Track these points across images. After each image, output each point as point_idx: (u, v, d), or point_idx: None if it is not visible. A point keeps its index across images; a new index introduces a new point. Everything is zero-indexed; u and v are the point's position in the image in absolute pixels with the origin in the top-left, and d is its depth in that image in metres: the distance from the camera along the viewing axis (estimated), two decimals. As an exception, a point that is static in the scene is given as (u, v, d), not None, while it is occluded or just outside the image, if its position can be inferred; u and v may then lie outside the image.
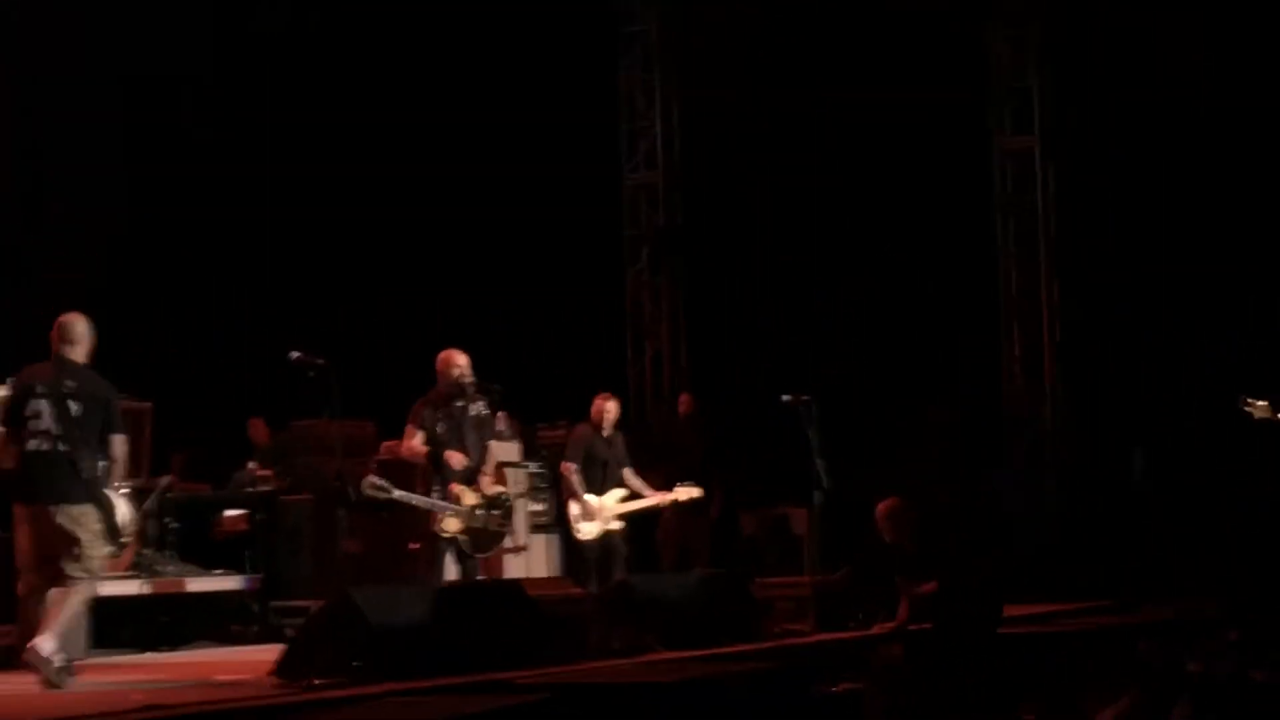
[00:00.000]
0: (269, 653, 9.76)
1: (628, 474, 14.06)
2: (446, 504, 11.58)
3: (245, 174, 18.25)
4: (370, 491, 11.20)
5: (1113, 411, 17.29)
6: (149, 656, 12.12)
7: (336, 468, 10.32)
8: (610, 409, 14.06)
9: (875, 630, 12.19)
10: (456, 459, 11.65)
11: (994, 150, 17.73)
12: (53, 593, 9.69)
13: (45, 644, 9.44)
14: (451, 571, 11.88)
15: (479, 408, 11.96)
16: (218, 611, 13.23)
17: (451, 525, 11.58)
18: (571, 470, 13.84)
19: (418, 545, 11.88)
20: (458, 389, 11.82)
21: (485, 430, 12.05)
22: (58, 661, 9.44)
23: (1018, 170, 17.68)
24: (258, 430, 15.62)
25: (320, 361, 10.27)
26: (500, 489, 12.01)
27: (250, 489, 13.98)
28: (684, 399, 16.65)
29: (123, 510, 9.92)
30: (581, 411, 14.31)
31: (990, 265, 17.80)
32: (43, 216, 16.98)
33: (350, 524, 12.73)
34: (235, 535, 13.75)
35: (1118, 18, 16.99)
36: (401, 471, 11.97)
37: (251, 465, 14.81)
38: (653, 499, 14.14)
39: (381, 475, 11.50)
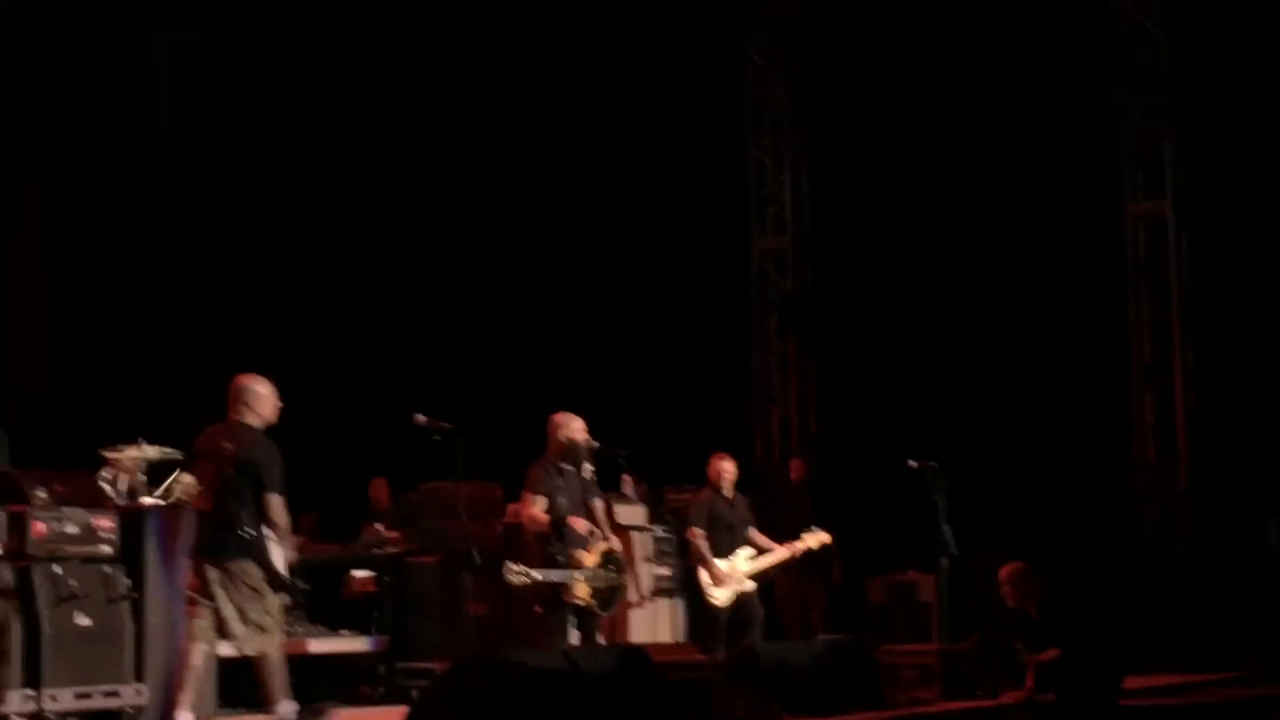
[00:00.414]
0: (394, 715, 9.80)
1: (753, 533, 14.04)
2: (576, 572, 11.63)
3: (367, 241, 18.45)
4: (513, 579, 11.33)
5: (1247, 480, 17.02)
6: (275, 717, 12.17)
7: (462, 531, 10.35)
8: (728, 469, 14.05)
9: (1003, 699, 12.06)
10: (581, 525, 11.67)
11: (1125, 215, 17.53)
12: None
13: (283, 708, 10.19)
14: (573, 634, 11.91)
15: (588, 469, 11.98)
16: (345, 672, 13.29)
17: (583, 591, 11.62)
18: (699, 536, 13.81)
19: (541, 609, 11.93)
20: (571, 451, 11.83)
21: (592, 491, 12.10)
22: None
23: (1149, 235, 17.47)
24: (379, 491, 15.69)
25: (446, 426, 10.33)
26: (607, 544, 11.99)
27: (378, 550, 14.04)
28: (795, 464, 16.65)
29: (280, 560, 10.11)
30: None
31: (1122, 331, 17.58)
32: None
33: (475, 587, 12.76)
34: (363, 596, 13.82)
35: (1249, 77, 16.79)
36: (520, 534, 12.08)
37: (379, 526, 14.89)
38: (783, 552, 14.08)
39: (514, 552, 11.64)
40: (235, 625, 10.31)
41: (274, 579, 10.09)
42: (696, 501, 14.23)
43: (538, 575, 11.41)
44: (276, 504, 10.16)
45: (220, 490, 10.33)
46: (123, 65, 17.04)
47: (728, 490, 14.07)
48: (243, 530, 10.15)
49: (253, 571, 10.17)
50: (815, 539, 14.27)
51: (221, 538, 10.31)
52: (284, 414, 10.46)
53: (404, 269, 18.58)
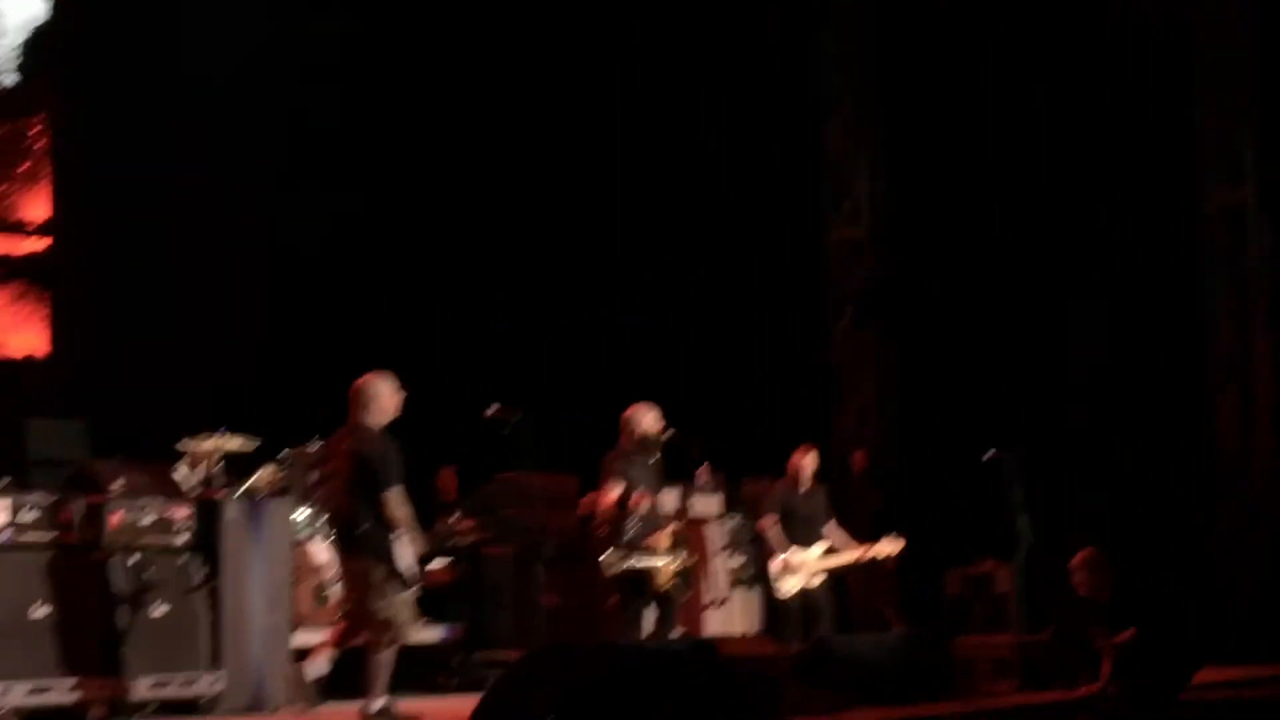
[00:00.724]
0: (470, 704, 9.81)
1: (831, 527, 13.99)
2: (660, 557, 11.69)
3: (431, 242, 18.52)
4: (612, 568, 11.46)
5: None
6: (350, 705, 12.24)
7: (536, 522, 10.39)
8: (808, 463, 14.02)
9: (1082, 691, 11.98)
10: (644, 503, 11.72)
11: (1205, 205, 17.38)
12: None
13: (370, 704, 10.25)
14: (649, 622, 11.93)
15: (658, 460, 12.00)
16: (420, 662, 13.33)
17: (664, 578, 11.67)
18: (769, 525, 13.80)
19: (616, 598, 11.95)
20: (646, 443, 11.84)
21: (661, 480, 12.17)
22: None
23: (1229, 225, 17.31)
24: (447, 481, 15.72)
25: (518, 415, 10.34)
26: (674, 526, 12.04)
27: (453, 541, 14.08)
28: (858, 456, 16.61)
29: (406, 555, 10.11)
30: (783, 466, 14.28)
31: (1202, 322, 17.44)
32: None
33: (549, 578, 12.81)
34: (439, 586, 13.87)
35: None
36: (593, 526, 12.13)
37: (455, 516, 14.95)
38: (856, 552, 14.02)
39: (588, 543, 11.72)
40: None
41: (397, 575, 10.12)
42: (772, 492, 14.21)
43: (634, 562, 11.46)
44: (391, 499, 10.18)
45: (342, 490, 10.44)
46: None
47: (806, 482, 14.04)
48: (361, 529, 10.22)
49: (374, 569, 10.23)
50: (890, 545, 14.12)
51: (346, 536, 10.44)
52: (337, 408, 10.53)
53: (475, 256, 18.62)
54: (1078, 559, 12.27)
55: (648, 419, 11.86)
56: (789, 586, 13.78)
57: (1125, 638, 11.78)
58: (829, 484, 15.62)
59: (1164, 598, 13.81)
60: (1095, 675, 11.95)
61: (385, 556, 10.16)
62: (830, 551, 13.93)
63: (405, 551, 10.19)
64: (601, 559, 11.46)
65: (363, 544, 10.30)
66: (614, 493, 11.65)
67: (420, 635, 13.13)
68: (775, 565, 13.81)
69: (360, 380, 10.47)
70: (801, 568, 13.79)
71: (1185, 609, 14.34)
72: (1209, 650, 12.95)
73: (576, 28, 18.71)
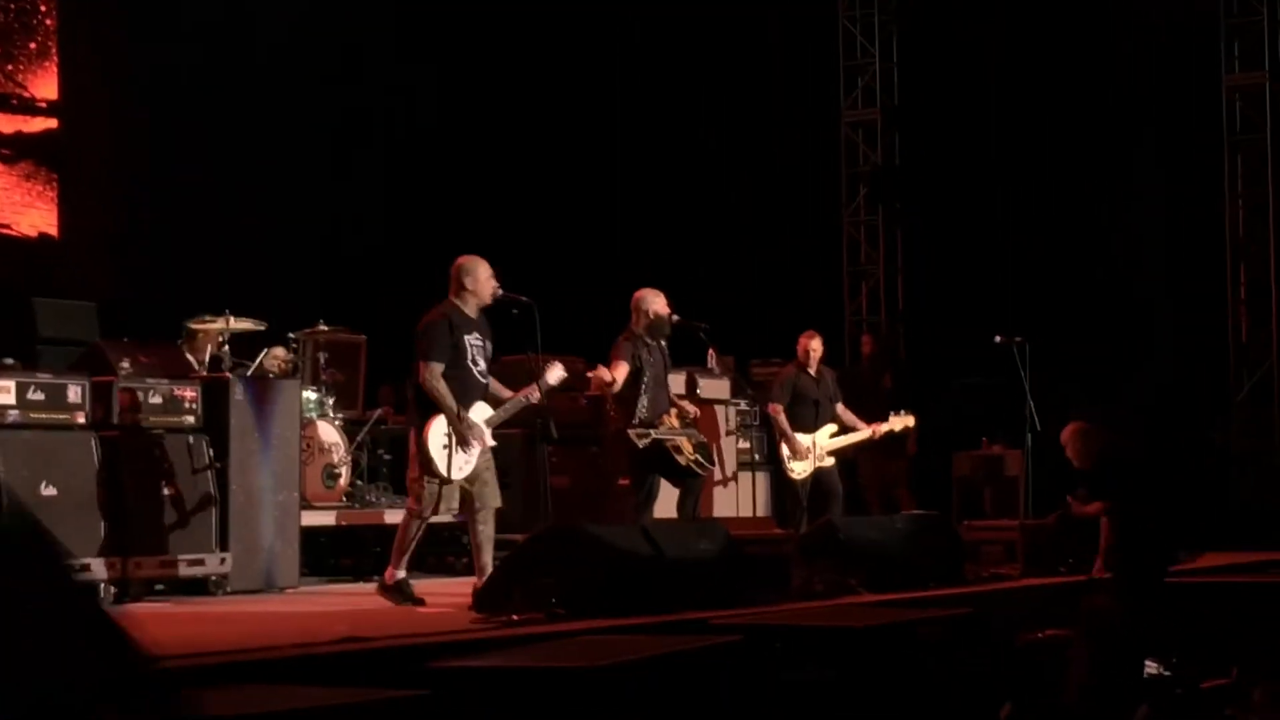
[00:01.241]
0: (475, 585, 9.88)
1: (840, 409, 14.02)
2: (678, 431, 11.73)
3: (449, 119, 18.44)
4: (636, 439, 11.45)
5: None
6: (359, 585, 12.33)
7: (525, 398, 10.36)
8: (815, 347, 14.02)
9: (1082, 576, 12.00)
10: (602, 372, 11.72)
11: (1222, 87, 17.26)
12: None
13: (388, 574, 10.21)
14: (660, 507, 11.98)
15: (666, 343, 12.02)
16: (428, 543, 13.39)
17: (688, 447, 11.72)
18: (779, 410, 13.83)
19: (628, 481, 11.98)
20: (654, 326, 11.83)
21: (668, 363, 12.17)
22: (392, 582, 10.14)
23: (1247, 108, 17.21)
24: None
25: (524, 299, 10.31)
26: (678, 408, 12.05)
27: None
28: (865, 339, 16.60)
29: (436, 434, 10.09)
30: (793, 349, 14.28)
31: (1217, 204, 17.36)
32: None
33: (557, 460, 12.81)
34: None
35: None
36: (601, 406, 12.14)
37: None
38: (866, 431, 14.06)
39: (614, 420, 11.71)
40: None
41: (426, 454, 10.08)
42: (780, 376, 14.22)
43: (654, 433, 11.51)
44: (420, 371, 10.10)
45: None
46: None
47: (814, 366, 14.05)
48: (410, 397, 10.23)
49: (413, 442, 10.22)
50: (900, 421, 14.19)
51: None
52: (364, 289, 10.47)
53: (487, 143, 18.58)
54: (1066, 431, 12.19)
55: (656, 302, 11.86)
56: (800, 469, 13.81)
57: (1094, 509, 11.76)
58: (840, 368, 15.63)
59: (1146, 478, 13.80)
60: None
61: (419, 435, 10.11)
62: (839, 433, 13.97)
63: (439, 432, 10.08)
64: (630, 431, 11.46)
65: (409, 413, 10.29)
66: (622, 372, 11.65)
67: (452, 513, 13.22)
68: (786, 449, 13.84)
69: (460, 259, 10.34)
70: (812, 450, 13.82)
71: (1169, 491, 14.34)
72: (1199, 534, 13.05)
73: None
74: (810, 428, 13.90)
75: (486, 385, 10.27)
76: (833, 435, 13.94)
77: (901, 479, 15.34)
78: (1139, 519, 11.54)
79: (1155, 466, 14.17)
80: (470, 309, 10.20)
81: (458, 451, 10.06)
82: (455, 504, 10.24)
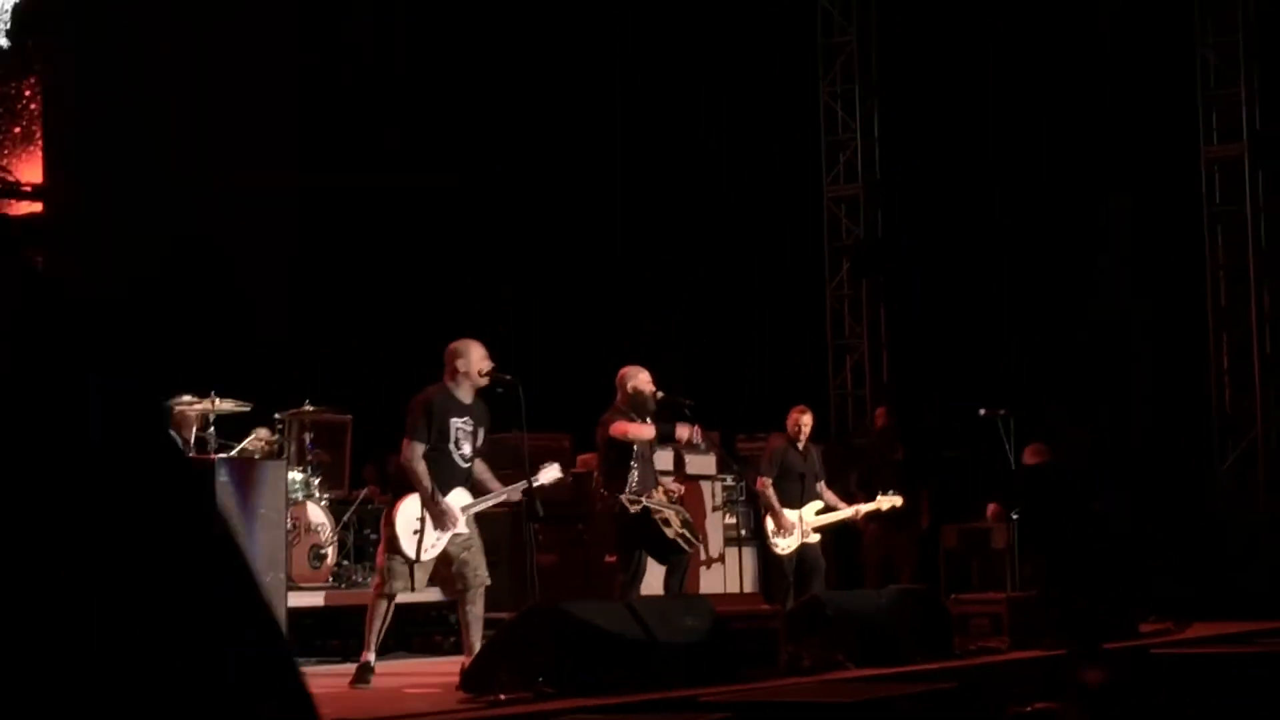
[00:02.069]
0: (461, 665, 9.86)
1: (821, 487, 14.07)
2: (670, 505, 11.78)
3: (439, 193, 18.50)
4: (628, 504, 11.54)
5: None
6: (346, 667, 12.27)
7: (527, 483, 10.38)
8: (806, 421, 14.07)
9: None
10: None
11: (1201, 158, 17.38)
12: None
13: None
14: (647, 584, 12.01)
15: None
16: (416, 621, 13.39)
17: (676, 522, 11.74)
18: (767, 484, 13.85)
19: (614, 558, 12.01)
20: (639, 402, 11.91)
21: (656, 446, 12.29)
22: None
23: (1226, 178, 17.32)
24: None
25: (508, 378, 10.36)
26: (662, 487, 12.12)
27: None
28: (880, 412, 16.60)
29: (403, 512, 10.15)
30: (781, 423, 14.30)
31: (1199, 276, 17.45)
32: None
33: (544, 537, 12.81)
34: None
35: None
36: (588, 483, 12.17)
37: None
38: (848, 510, 14.10)
39: (606, 494, 11.76)
40: None
41: (393, 534, 10.15)
42: (769, 450, 14.25)
43: (645, 500, 11.55)
44: (404, 448, 10.21)
45: None
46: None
47: (803, 441, 14.08)
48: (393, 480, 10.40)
49: (384, 518, 10.28)
50: (888, 501, 14.23)
51: None
52: (344, 368, 10.52)
53: (476, 221, 18.64)
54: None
55: (639, 378, 11.94)
56: (785, 545, 13.83)
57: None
58: (828, 441, 15.64)
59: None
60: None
61: (390, 507, 10.18)
62: (824, 510, 14.00)
63: (404, 511, 10.13)
64: (623, 497, 11.52)
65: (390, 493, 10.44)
66: (637, 430, 11.77)
67: (416, 595, 13.20)
68: (771, 524, 13.86)
69: (455, 342, 10.40)
70: (797, 526, 13.84)
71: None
72: (1186, 604, 13.12)
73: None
74: (796, 503, 13.92)
75: (469, 471, 10.30)
76: (818, 512, 13.96)
77: (910, 556, 15.28)
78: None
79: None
80: (463, 392, 10.26)
81: (428, 532, 10.10)
82: (420, 584, 10.27)
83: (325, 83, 18.32)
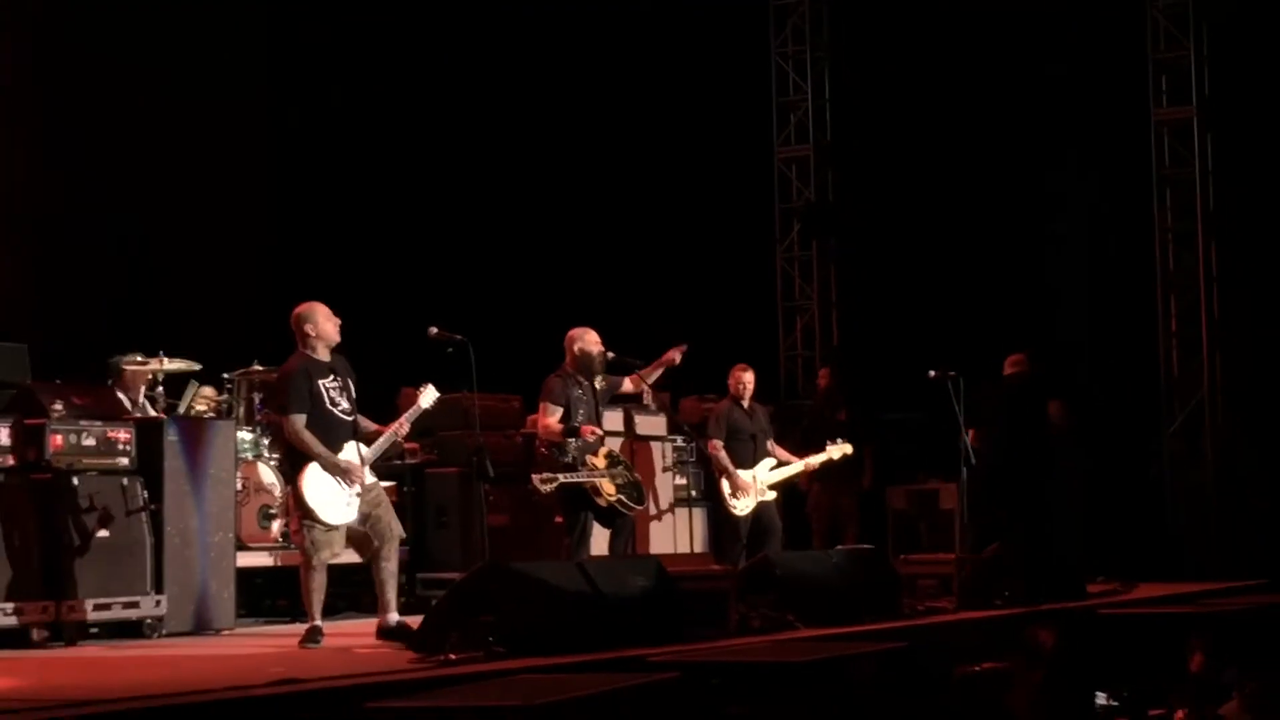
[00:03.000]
0: (413, 625, 9.86)
1: (770, 445, 14.09)
2: (599, 472, 11.78)
3: (386, 148, 18.43)
4: (541, 486, 11.57)
5: (1272, 386, 17.00)
6: (295, 626, 12.26)
7: (477, 442, 10.38)
8: (747, 380, 14.10)
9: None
10: (590, 432, 11.80)
11: (1151, 121, 17.42)
12: None
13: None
14: (597, 544, 12.05)
15: (601, 382, 12.14)
16: (365, 582, 13.34)
17: (609, 488, 11.77)
18: (718, 446, 13.85)
19: (563, 518, 12.04)
20: (586, 364, 11.92)
21: (604, 402, 12.35)
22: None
23: (1175, 141, 17.36)
24: (409, 401, 15.65)
25: (458, 337, 10.34)
26: (607, 447, 12.23)
27: (398, 461, 14.08)
28: (823, 373, 16.63)
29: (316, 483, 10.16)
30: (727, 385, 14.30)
31: (1148, 240, 17.50)
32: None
33: (494, 498, 12.82)
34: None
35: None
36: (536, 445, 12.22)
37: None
38: (799, 464, 14.14)
39: (531, 463, 11.78)
40: None
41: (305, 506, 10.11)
42: (716, 412, 14.27)
43: (563, 477, 11.56)
44: (285, 426, 10.18)
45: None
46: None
47: (747, 400, 14.11)
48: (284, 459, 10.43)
49: (290, 495, 10.30)
50: (838, 450, 14.31)
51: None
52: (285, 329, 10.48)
53: (421, 177, 18.55)
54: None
55: (585, 339, 11.99)
56: (743, 505, 13.82)
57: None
58: (779, 402, 15.65)
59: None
60: (1028, 595, 12.21)
61: (294, 481, 10.15)
62: (777, 466, 14.02)
63: (315, 479, 10.10)
64: (535, 477, 11.55)
65: (283, 470, 10.38)
66: (552, 414, 11.77)
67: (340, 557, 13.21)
68: (727, 486, 13.85)
69: (296, 308, 10.39)
70: (753, 485, 13.85)
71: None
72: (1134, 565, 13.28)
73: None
74: (748, 463, 13.94)
75: (353, 423, 10.29)
76: (771, 469, 13.99)
77: (853, 514, 15.33)
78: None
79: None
80: (321, 354, 10.28)
81: (338, 494, 10.09)
82: (339, 548, 10.24)
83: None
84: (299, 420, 10.09)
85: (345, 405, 10.26)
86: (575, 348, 12.03)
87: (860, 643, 9.70)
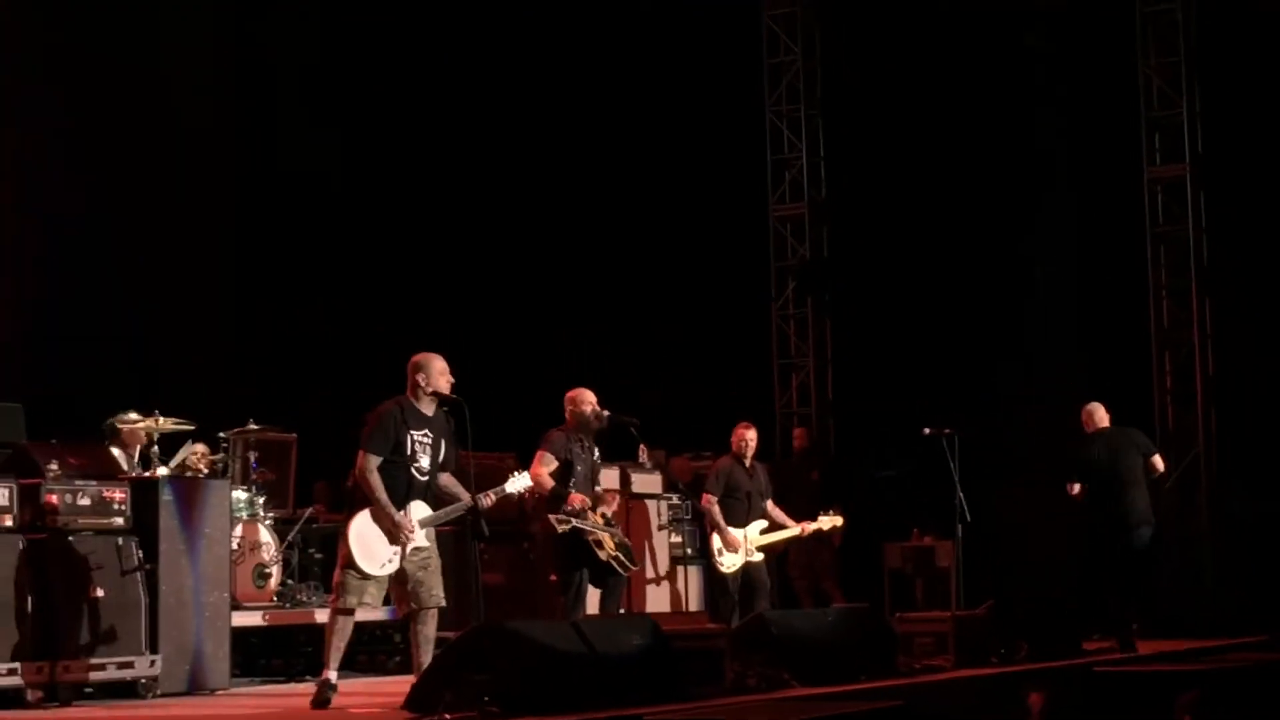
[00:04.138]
0: (408, 684, 9.84)
1: (770, 506, 14.08)
2: (600, 528, 11.86)
3: (382, 209, 18.48)
4: (556, 524, 11.83)
5: (1267, 442, 17.01)
6: (291, 687, 12.25)
7: (471, 501, 10.37)
8: (750, 438, 14.10)
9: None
10: (579, 499, 11.90)
11: (1144, 179, 17.48)
12: None
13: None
14: (590, 603, 12.07)
15: (596, 450, 12.38)
16: (361, 641, 13.33)
17: (610, 544, 11.87)
18: (713, 502, 13.87)
19: (557, 577, 12.07)
20: (581, 423, 12.02)
21: (598, 473, 12.50)
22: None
23: (1169, 199, 17.42)
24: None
25: (454, 398, 10.35)
26: (602, 508, 12.35)
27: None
28: (798, 433, 16.72)
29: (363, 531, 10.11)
30: (726, 442, 14.31)
31: (1141, 296, 17.54)
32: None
33: (489, 557, 12.81)
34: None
35: (1269, 42, 16.76)
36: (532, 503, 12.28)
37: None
38: (795, 529, 14.13)
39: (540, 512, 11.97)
40: None
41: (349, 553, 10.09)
42: (715, 468, 14.24)
43: (575, 522, 11.74)
44: (359, 460, 10.13)
45: None
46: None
47: (748, 458, 14.09)
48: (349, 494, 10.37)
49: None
50: (829, 520, 14.27)
51: None
52: (296, 389, 10.48)
53: (419, 237, 18.60)
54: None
55: (580, 400, 12.14)
56: (730, 562, 13.84)
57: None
58: (770, 461, 15.66)
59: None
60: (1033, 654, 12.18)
61: (346, 522, 10.13)
62: (770, 529, 14.02)
63: (363, 526, 10.07)
64: (551, 516, 11.63)
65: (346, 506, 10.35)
66: (547, 465, 12.02)
67: (361, 614, 13.17)
68: (718, 542, 13.87)
69: (415, 356, 10.36)
70: (743, 544, 13.86)
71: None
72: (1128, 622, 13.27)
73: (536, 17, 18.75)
74: (741, 521, 13.95)
75: (427, 484, 10.24)
76: (763, 531, 13.98)
77: (830, 571, 15.36)
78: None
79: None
80: (424, 405, 10.23)
81: (382, 547, 10.06)
82: (376, 599, 10.22)
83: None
84: (373, 460, 10.04)
85: (425, 464, 10.20)
86: (569, 409, 12.23)
87: (856, 701, 9.69)
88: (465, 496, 10.35)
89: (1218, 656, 13.07)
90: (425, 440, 10.19)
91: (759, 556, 13.95)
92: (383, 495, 10.01)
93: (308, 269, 18.11)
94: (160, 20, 17.39)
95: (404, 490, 10.12)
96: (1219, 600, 16.49)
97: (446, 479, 10.37)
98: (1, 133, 16.12)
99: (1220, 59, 17.23)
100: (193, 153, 17.37)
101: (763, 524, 14.00)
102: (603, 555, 11.93)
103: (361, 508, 10.05)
